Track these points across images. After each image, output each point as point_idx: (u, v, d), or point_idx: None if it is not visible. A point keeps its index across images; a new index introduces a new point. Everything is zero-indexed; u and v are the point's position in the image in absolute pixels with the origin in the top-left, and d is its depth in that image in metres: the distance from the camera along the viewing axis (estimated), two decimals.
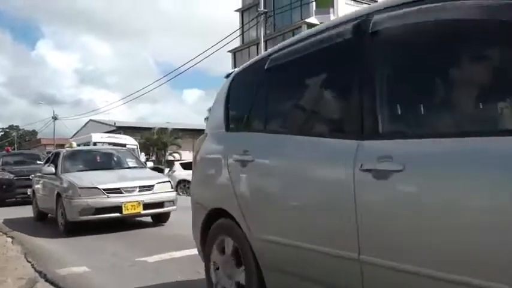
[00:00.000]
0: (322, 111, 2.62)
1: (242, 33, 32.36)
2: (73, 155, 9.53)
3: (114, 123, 49.84)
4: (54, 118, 49.34)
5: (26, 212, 10.66)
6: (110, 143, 17.91)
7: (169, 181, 8.62)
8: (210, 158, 3.36)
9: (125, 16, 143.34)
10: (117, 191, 7.72)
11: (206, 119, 52.24)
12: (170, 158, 33.43)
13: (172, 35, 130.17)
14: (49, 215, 9.22)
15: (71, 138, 40.01)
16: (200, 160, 3.46)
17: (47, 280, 4.57)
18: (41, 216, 9.77)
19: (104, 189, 7.61)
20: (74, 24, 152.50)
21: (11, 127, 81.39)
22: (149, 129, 38.54)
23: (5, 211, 11.99)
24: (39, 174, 9.93)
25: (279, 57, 2.84)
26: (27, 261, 5.52)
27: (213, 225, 3.15)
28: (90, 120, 53.47)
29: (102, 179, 8.03)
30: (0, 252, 6.17)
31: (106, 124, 51.24)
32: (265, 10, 21.65)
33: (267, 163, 2.78)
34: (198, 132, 48.53)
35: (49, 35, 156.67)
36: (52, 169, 8.71)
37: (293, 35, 31.69)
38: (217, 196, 3.16)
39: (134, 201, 7.68)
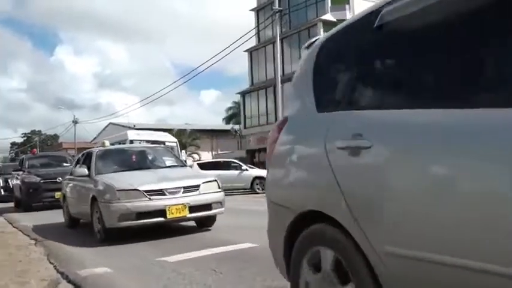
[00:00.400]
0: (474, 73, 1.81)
1: (258, 32, 32.32)
2: (107, 155, 8.75)
3: (134, 126, 50.26)
4: (75, 122, 49.97)
5: (56, 216, 10.27)
6: (147, 141, 16.65)
7: (215, 180, 7.65)
8: (297, 148, 2.64)
9: (141, 19, 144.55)
10: (160, 192, 6.91)
11: (224, 119, 52.51)
12: (189, 158, 33.60)
13: (188, 36, 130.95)
14: (81, 220, 8.88)
15: (91, 141, 40.52)
16: (280, 152, 2.73)
17: (69, 281, 4.62)
18: (73, 223, 9.17)
19: (145, 191, 6.83)
20: (90, 29, 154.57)
21: (33, 132, 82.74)
22: (168, 130, 38.76)
23: (33, 216, 11.77)
24: (70, 176, 9.31)
25: (397, 10, 2.08)
26: (50, 262, 5.59)
27: (303, 232, 2.41)
28: (110, 123, 54.02)
29: (142, 179, 7.28)
30: (24, 254, 6.27)
31: (125, 127, 51.71)
32: (281, 8, 21.61)
33: (394, 149, 1.98)
34: (216, 132, 48.87)
35: (67, 41, 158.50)
36: (85, 170, 8.03)
37: (309, 33, 31.60)
38: (312, 196, 2.43)
39: (179, 204, 6.87)
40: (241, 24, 65.20)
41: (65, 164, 15.48)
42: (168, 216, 6.78)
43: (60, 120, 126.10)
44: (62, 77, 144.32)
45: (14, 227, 9.99)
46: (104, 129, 56.22)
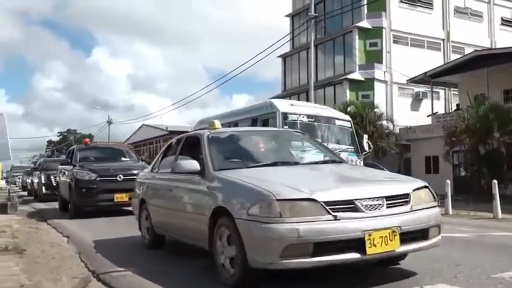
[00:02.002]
0: None
1: (292, 38, 32.26)
2: (224, 141, 5.66)
3: (166, 128, 50.88)
4: (109, 122, 50.91)
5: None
6: (311, 116, 11.04)
7: (427, 186, 4.47)
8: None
9: (176, 23, 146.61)
10: (351, 206, 3.91)
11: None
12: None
13: (222, 41, 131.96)
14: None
15: (125, 142, 41.14)
16: None
17: (99, 280, 4.69)
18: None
19: (325, 203, 3.84)
20: (126, 32, 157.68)
21: (68, 131, 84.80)
22: None
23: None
24: (156, 173, 6.51)
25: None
26: (81, 260, 5.69)
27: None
28: (143, 124, 54.84)
29: (312, 182, 4.39)
30: (57, 251, 6.40)
31: (158, 128, 52.44)
32: (316, 14, 21.49)
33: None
34: None
35: (103, 42, 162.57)
36: (195, 164, 5.02)
37: (344, 40, 31.39)
38: None
39: (385, 229, 3.90)
40: (275, 30, 65.30)
41: (123, 159, 13.00)
42: (369, 250, 3.81)
43: (94, 120, 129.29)
44: (97, 78, 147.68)
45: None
46: (137, 130, 57.17)
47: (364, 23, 31.07)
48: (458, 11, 33.54)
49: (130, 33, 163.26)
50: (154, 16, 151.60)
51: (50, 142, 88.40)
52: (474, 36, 32.80)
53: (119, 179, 10.88)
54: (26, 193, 28.16)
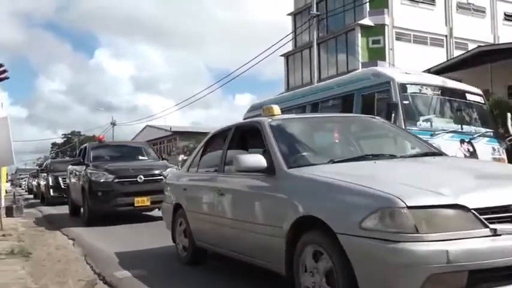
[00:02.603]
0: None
1: (295, 37, 32.27)
2: (291, 130, 4.44)
3: (170, 128, 50.97)
4: (113, 124, 51.01)
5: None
6: (438, 88, 7.81)
7: None
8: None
9: (178, 24, 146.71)
10: (509, 215, 2.71)
11: None
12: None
13: (225, 40, 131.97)
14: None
15: None
16: None
17: (105, 282, 4.68)
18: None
19: (478, 211, 2.66)
20: (129, 33, 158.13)
21: (73, 133, 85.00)
22: (204, 133, 39.07)
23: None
24: (196, 172, 5.51)
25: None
26: (87, 263, 5.69)
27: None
28: (147, 125, 54.96)
29: (445, 180, 3.13)
30: (62, 254, 6.41)
31: (162, 129, 52.54)
32: (318, 13, 21.50)
33: None
34: None
35: (106, 44, 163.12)
36: (261, 160, 3.83)
37: (346, 38, 31.32)
38: None
39: None
40: (277, 29, 65.23)
41: (141, 157, 11.65)
42: None
43: (98, 121, 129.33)
44: (101, 79, 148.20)
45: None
46: (141, 131, 57.28)
47: (367, 21, 31.01)
48: (461, 7, 33.42)
49: (133, 34, 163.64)
50: (157, 17, 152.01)
51: (54, 144, 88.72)
52: (477, 32, 32.68)
53: (139, 180, 9.76)
54: (32, 196, 27.72)
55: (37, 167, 33.44)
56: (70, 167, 12.77)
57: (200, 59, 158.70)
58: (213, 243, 4.80)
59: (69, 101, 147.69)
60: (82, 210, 10.75)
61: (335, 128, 4.77)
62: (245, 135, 4.89)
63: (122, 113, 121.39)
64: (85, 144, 12.58)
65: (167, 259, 5.80)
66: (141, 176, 9.90)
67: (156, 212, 9.66)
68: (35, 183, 26.66)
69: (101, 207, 9.78)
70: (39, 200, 21.07)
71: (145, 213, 10.59)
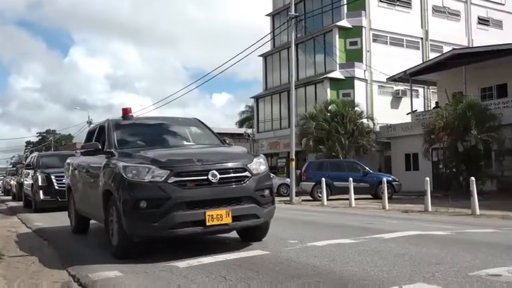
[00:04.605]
0: None
1: (273, 38, 32.33)
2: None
3: None
4: (89, 123, 50.31)
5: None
6: None
7: None
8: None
9: (154, 23, 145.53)
10: None
11: (237, 122, 52.50)
12: None
13: (201, 40, 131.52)
14: None
15: None
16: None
17: (80, 284, 4.64)
18: None
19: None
20: (103, 32, 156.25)
21: (48, 131, 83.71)
22: None
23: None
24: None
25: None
26: (62, 265, 5.63)
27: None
28: None
29: None
30: (36, 256, 6.32)
31: None
32: (296, 14, 21.56)
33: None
34: (229, 136, 48.81)
35: (81, 42, 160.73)
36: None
37: (324, 39, 31.53)
38: None
39: None
40: (255, 29, 65.34)
41: (185, 143, 7.36)
42: None
43: (73, 120, 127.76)
44: (75, 77, 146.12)
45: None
46: None
47: (344, 22, 31.28)
48: (436, 10, 33.98)
49: (108, 32, 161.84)
50: (132, 15, 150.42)
51: (28, 143, 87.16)
52: (452, 35, 33.30)
53: (212, 178, 5.63)
54: (10, 197, 24.36)
55: (10, 166, 31.58)
56: (73, 159, 8.75)
57: (176, 58, 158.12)
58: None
59: (43, 99, 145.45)
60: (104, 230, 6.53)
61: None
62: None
63: (98, 111, 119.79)
64: (102, 122, 7.61)
65: (143, 260, 5.78)
66: (215, 172, 5.65)
67: None
68: (13, 182, 23.34)
69: (147, 229, 5.52)
70: (21, 204, 17.21)
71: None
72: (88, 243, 7.33)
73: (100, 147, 6.79)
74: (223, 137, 7.77)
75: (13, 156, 78.96)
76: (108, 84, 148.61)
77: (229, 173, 5.84)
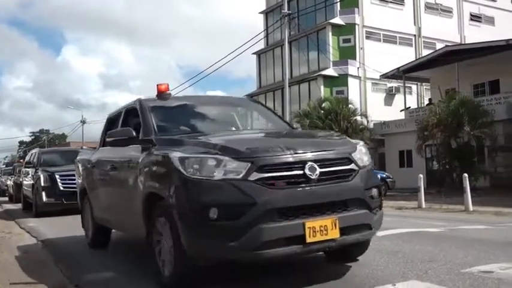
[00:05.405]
0: None
1: (266, 35, 32.32)
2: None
3: None
4: (83, 122, 50.19)
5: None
6: None
7: None
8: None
9: (148, 21, 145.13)
10: None
11: None
12: None
13: (194, 38, 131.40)
14: None
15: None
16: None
17: (75, 286, 4.64)
18: None
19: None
20: (96, 30, 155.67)
21: (41, 131, 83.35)
22: None
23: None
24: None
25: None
26: (57, 266, 5.62)
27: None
28: None
29: None
30: (32, 256, 6.30)
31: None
32: (289, 12, 21.60)
33: None
34: None
35: (73, 41, 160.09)
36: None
37: (318, 37, 31.56)
38: None
39: None
40: (249, 27, 65.30)
41: (246, 129, 5.97)
42: None
43: (67, 119, 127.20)
44: (68, 76, 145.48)
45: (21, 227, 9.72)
46: None
47: (337, 20, 31.33)
48: (429, 7, 34.09)
49: (101, 31, 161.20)
50: (126, 14, 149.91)
51: (21, 142, 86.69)
52: (445, 32, 33.42)
53: (309, 173, 3.88)
54: (6, 198, 22.88)
55: (12, 163, 28.54)
56: (88, 155, 7.22)
57: (170, 56, 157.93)
58: None
59: (36, 98, 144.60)
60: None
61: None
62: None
63: (91, 110, 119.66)
64: (127, 104, 5.97)
65: (140, 261, 5.78)
66: (313, 165, 3.92)
67: None
68: (10, 182, 21.49)
69: (219, 251, 3.80)
70: (19, 206, 15.91)
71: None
72: (83, 244, 7.19)
73: (135, 134, 5.03)
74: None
75: (6, 157, 78.52)
76: (101, 83, 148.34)
77: (331, 166, 4.03)
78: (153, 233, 4.34)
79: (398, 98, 30.07)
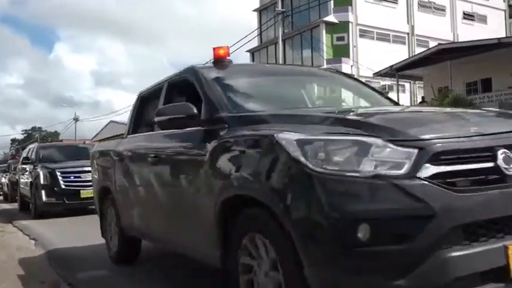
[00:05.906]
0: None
1: (260, 33, 32.32)
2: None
3: None
4: (76, 120, 50.01)
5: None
6: None
7: None
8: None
9: (141, 18, 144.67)
10: None
11: None
12: None
13: (188, 36, 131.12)
14: None
15: (92, 139, 40.47)
16: None
17: (69, 284, 4.62)
18: None
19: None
20: (89, 28, 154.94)
21: (33, 129, 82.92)
22: None
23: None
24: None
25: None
26: (50, 264, 5.59)
27: None
28: (111, 121, 54.04)
29: None
30: (24, 255, 6.27)
31: (126, 125, 51.79)
32: (283, 9, 21.62)
33: None
34: None
35: (66, 39, 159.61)
36: None
37: (311, 34, 31.60)
38: None
39: None
40: (243, 25, 65.26)
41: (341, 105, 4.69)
42: None
43: (59, 117, 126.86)
44: (61, 74, 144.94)
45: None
46: (104, 127, 56.31)
47: (331, 18, 31.38)
48: (422, 5, 34.22)
49: (93, 28, 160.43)
50: (119, 11, 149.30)
51: (14, 140, 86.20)
52: (438, 30, 33.59)
53: (505, 166, 2.34)
54: (1, 198, 21.43)
55: (7, 161, 27.45)
56: (110, 145, 5.71)
57: (163, 54, 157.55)
58: None
59: (28, 96, 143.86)
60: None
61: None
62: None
63: (84, 108, 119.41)
64: (172, 75, 4.60)
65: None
66: (510, 154, 2.39)
67: None
68: (4, 180, 20.37)
69: None
70: (15, 206, 14.48)
71: None
72: (76, 242, 7.12)
73: (196, 111, 3.45)
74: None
75: None
76: (94, 81, 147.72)
77: None
78: (237, 255, 2.86)
79: (392, 96, 30.03)
